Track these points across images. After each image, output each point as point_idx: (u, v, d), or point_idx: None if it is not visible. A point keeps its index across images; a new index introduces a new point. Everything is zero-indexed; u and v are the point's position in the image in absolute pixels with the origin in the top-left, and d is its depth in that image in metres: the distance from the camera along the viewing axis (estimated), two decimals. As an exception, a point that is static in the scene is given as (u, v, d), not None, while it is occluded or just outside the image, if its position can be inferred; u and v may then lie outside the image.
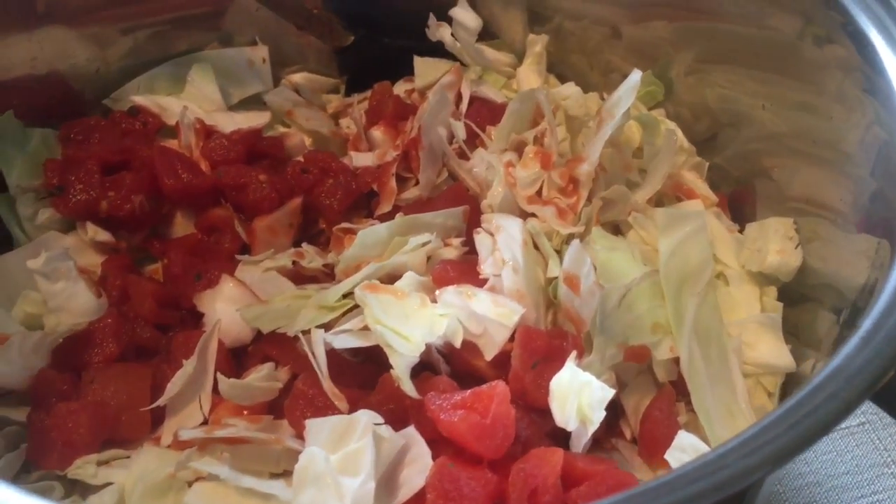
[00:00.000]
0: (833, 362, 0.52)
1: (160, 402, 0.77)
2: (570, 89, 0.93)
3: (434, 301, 0.76)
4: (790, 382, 0.83)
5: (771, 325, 0.83)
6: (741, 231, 0.93)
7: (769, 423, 0.51)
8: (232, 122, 0.99)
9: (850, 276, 0.76)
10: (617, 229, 0.91)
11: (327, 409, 0.71)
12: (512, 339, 0.74)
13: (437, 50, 1.07)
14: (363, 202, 0.97)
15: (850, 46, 0.76)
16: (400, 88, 1.08)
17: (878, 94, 0.73)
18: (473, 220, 0.87)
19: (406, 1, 1.07)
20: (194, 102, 1.01)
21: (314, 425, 0.66)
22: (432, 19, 1.02)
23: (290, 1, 0.99)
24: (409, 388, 0.69)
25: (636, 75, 0.84)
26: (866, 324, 0.54)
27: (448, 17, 1.03)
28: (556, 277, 0.79)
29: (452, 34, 1.03)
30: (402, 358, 0.70)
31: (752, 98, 0.91)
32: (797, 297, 0.86)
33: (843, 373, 0.51)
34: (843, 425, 0.93)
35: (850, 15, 0.74)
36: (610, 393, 0.68)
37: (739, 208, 0.97)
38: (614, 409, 0.80)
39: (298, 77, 1.11)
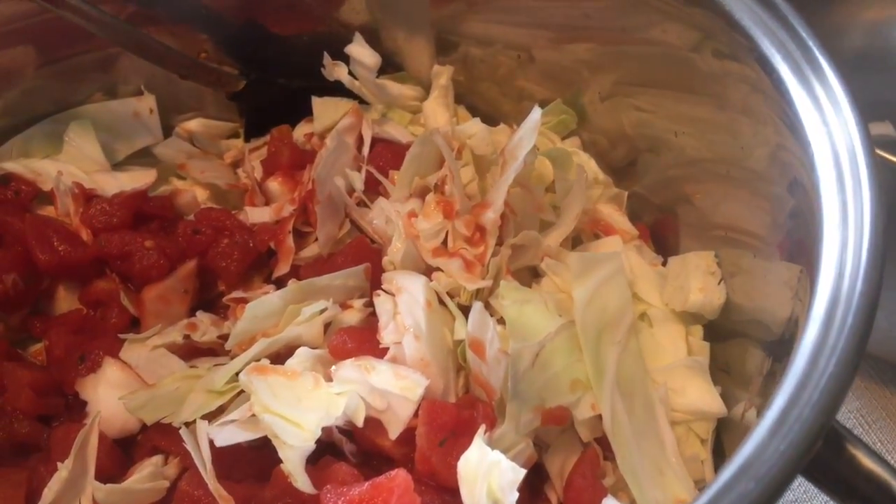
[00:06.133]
0: (745, 448, 0.47)
1: (34, 511, 0.70)
2: (476, 126, 0.87)
3: (330, 378, 0.69)
4: (723, 426, 0.79)
5: (698, 369, 0.78)
6: (665, 263, 0.88)
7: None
8: (115, 183, 0.91)
9: (774, 310, 0.72)
10: (536, 272, 0.86)
11: (214, 511, 0.64)
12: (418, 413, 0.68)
13: (340, 87, 1.00)
14: (264, 261, 0.90)
15: (757, 69, 0.71)
16: (301, 131, 1.00)
17: (786, 121, 0.68)
18: (378, 277, 0.81)
19: (298, 40, 1.00)
20: (74, 164, 0.93)
21: (195, 538, 0.60)
22: (327, 58, 0.95)
23: (167, 51, 0.91)
24: (302, 482, 0.63)
25: (536, 113, 0.79)
26: (771, 413, 0.48)
27: (345, 54, 0.96)
28: (464, 340, 0.73)
29: (351, 72, 0.96)
30: (294, 450, 0.63)
31: (667, 121, 0.87)
32: (725, 333, 0.82)
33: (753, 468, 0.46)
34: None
35: (753, 40, 0.69)
36: (521, 473, 0.62)
37: (662, 239, 0.92)
38: (539, 473, 0.74)
39: (193, 124, 1.03)
